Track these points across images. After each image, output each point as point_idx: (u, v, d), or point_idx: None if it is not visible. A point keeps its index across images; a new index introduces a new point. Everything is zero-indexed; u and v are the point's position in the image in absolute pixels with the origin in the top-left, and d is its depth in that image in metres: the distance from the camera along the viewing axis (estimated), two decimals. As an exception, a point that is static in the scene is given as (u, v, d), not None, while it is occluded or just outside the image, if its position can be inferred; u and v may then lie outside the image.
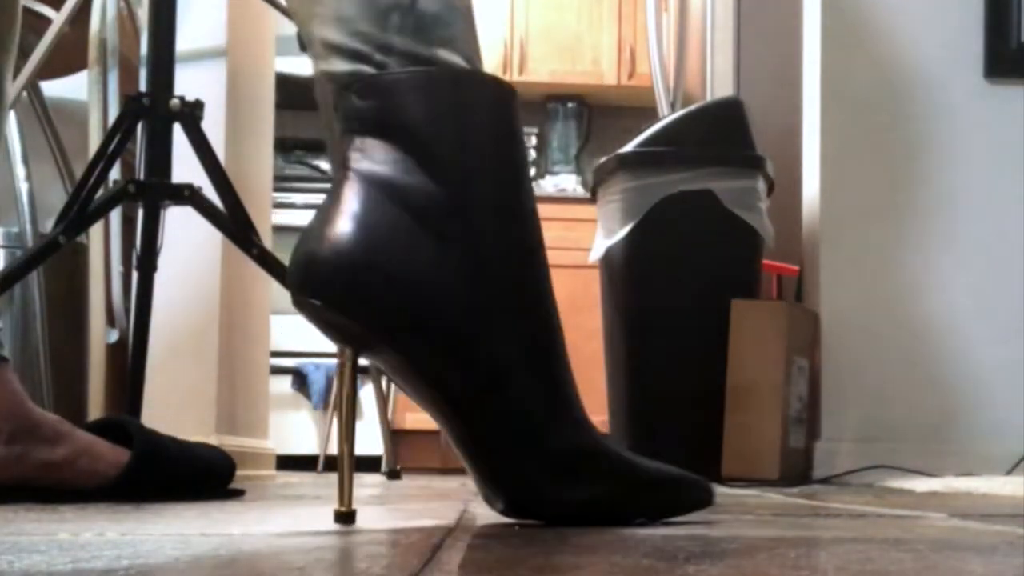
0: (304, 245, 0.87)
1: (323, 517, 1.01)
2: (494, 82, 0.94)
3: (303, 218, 4.56)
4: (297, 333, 4.22)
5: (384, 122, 0.89)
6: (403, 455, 4.22)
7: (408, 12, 0.91)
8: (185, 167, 1.81)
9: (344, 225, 0.86)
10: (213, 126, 1.95)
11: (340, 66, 0.91)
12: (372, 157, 0.88)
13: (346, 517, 0.88)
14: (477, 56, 0.95)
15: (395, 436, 4.12)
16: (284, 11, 2.36)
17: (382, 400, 2.94)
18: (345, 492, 0.88)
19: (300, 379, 4.42)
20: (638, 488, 0.92)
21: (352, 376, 0.87)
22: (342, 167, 0.89)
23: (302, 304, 0.87)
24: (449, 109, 0.90)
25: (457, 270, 0.87)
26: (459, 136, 0.90)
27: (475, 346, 0.87)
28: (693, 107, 2.43)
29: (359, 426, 4.35)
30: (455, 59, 0.93)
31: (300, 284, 0.87)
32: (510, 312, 0.89)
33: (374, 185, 0.87)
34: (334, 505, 0.88)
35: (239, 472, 2.23)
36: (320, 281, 0.86)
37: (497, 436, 0.88)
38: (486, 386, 0.88)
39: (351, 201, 0.87)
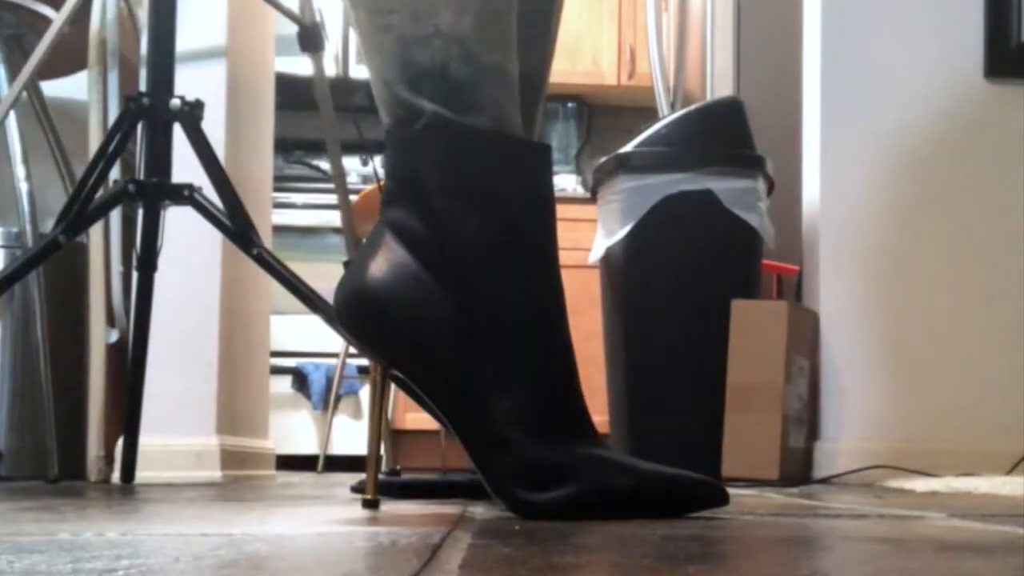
0: (341, 283, 1.03)
1: (323, 517, 1.01)
2: (493, 136, 1.02)
3: (303, 218, 4.56)
4: (297, 333, 4.22)
5: (397, 172, 1.01)
6: (403, 455, 4.22)
7: (440, 80, 1.00)
8: (185, 167, 1.82)
9: (364, 270, 1.01)
10: (213, 126, 1.95)
11: (385, 119, 1.04)
12: (390, 201, 1.01)
13: (372, 504, 1.05)
14: (505, 114, 1.03)
15: (395, 436, 4.12)
16: (284, 11, 2.36)
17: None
18: (371, 483, 1.06)
19: (300, 379, 4.42)
20: (636, 490, 0.99)
21: (382, 385, 1.03)
22: (379, 210, 1.03)
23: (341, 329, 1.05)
24: (441, 162, 1.00)
25: (443, 305, 0.99)
26: (447, 185, 1.00)
27: (457, 374, 0.99)
28: (693, 107, 2.43)
29: (359, 426, 4.37)
30: (480, 122, 1.01)
31: (336, 317, 1.03)
32: (501, 345, 0.99)
33: (390, 228, 1.01)
34: (334, 505, 0.89)
35: (239, 472, 2.24)
36: (343, 317, 1.02)
37: (476, 448, 0.99)
38: (466, 407, 1.00)
39: (373, 247, 1.01)
